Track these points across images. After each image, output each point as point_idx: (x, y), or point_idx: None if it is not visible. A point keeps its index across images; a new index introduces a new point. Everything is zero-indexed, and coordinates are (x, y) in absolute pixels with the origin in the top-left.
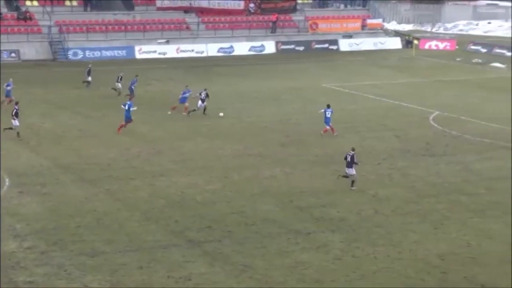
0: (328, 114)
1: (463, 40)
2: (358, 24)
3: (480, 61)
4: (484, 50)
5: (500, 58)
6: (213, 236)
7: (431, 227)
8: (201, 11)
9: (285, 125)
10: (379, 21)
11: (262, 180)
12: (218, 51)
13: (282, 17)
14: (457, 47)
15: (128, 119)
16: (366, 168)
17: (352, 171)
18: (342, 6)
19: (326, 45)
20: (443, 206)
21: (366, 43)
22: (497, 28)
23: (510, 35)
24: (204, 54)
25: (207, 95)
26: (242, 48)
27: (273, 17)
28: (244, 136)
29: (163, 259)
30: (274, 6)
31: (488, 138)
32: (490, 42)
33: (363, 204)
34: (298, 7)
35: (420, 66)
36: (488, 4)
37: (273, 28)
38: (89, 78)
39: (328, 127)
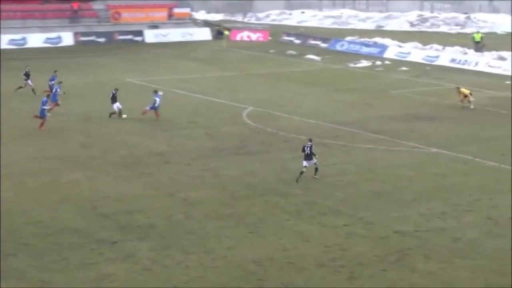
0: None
1: (276, 31)
2: (164, 13)
3: (294, 53)
4: (298, 41)
5: (315, 49)
6: (6, 250)
7: (246, 231)
8: None
9: (87, 124)
10: (187, 10)
11: (62, 185)
12: (9, 43)
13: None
14: (270, 38)
15: (43, 116)
16: (175, 169)
17: (312, 161)
18: None
19: (130, 37)
20: (258, 208)
21: (174, 34)
22: (310, 18)
23: (324, 25)
24: None
25: (115, 96)
26: (36, 39)
27: (74, 6)
28: (40, 137)
29: None
30: None
31: (304, 134)
32: (304, 33)
33: (173, 209)
34: None
35: (232, 59)
36: None
37: (74, 18)
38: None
39: (147, 109)
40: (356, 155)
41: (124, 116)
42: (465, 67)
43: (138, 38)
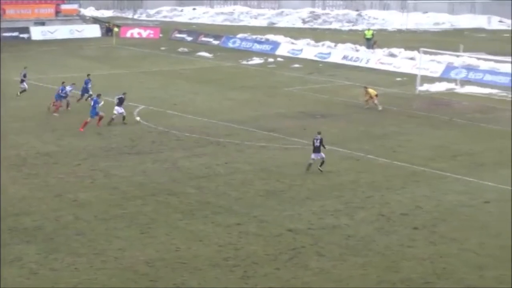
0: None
1: (167, 28)
2: (51, 10)
3: (186, 50)
4: (189, 39)
5: (207, 46)
6: None
7: (137, 232)
8: None
9: None
10: (75, 6)
11: None
12: None
13: None
14: (161, 35)
15: (96, 114)
16: (64, 169)
17: (320, 154)
18: None
19: (15, 34)
20: (150, 208)
21: (61, 31)
22: (202, 15)
23: (216, 22)
24: None
25: (123, 100)
26: None
27: None
28: None
29: None
30: None
31: (196, 133)
32: (195, 30)
33: (61, 210)
34: None
35: (122, 56)
36: None
37: None
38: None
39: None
40: (249, 154)
41: (137, 118)
42: (357, 64)
43: (24, 35)
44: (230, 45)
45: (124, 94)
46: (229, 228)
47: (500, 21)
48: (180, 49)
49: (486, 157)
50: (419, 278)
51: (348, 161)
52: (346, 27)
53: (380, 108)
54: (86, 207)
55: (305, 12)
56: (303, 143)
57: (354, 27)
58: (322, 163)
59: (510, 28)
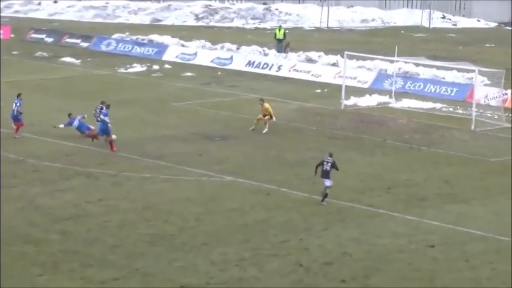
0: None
1: (20, 26)
2: None
3: (46, 54)
4: (50, 40)
5: (73, 50)
6: None
7: None
8: None
9: None
10: None
11: None
12: None
13: None
14: (12, 35)
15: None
16: None
17: (329, 180)
18: None
19: None
20: (4, 260)
21: None
22: (66, 9)
23: (84, 19)
24: None
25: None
26: None
27: None
28: None
29: None
30: None
31: (60, 161)
32: (58, 29)
33: None
34: None
35: None
36: None
37: None
38: None
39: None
40: (129, 188)
41: (114, 136)
42: (266, 71)
43: None
44: (103, 48)
45: (103, 103)
46: (104, 284)
47: (443, 18)
48: (38, 54)
49: (428, 189)
50: None
51: (256, 196)
52: (251, 25)
53: (264, 131)
54: None
55: (198, 6)
56: (198, 173)
57: (262, 25)
58: (326, 195)
59: (455, 26)
